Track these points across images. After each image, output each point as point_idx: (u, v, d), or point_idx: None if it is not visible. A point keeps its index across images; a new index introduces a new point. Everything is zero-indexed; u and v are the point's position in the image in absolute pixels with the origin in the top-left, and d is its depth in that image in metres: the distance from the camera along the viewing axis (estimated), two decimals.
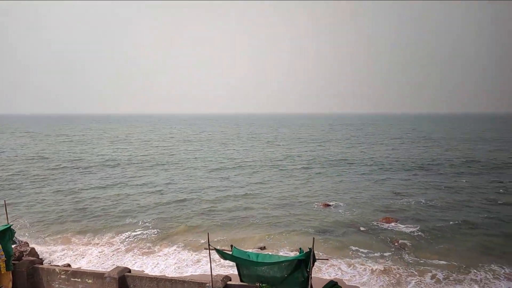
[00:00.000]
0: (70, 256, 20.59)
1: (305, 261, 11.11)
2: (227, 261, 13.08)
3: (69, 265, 18.39)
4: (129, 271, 13.65)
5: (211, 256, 11.95)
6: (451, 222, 26.01)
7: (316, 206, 30.75)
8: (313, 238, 11.07)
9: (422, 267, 18.76)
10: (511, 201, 31.96)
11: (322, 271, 18.29)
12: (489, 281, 17.21)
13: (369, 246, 21.64)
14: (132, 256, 20.68)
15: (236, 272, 12.05)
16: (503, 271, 18.14)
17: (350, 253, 20.73)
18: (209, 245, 11.48)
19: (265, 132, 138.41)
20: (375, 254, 20.47)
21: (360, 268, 18.81)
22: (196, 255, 20.64)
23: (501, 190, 35.98)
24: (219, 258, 11.84)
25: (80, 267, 18.16)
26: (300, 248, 11.69)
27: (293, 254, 19.23)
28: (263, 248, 21.35)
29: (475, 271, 18.23)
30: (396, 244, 22.04)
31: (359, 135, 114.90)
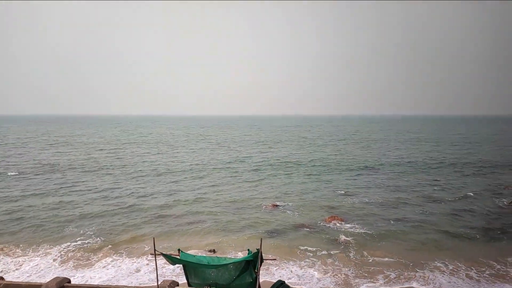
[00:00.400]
0: (3, 269, 19.02)
1: (253, 262, 11.17)
2: (174, 267, 12.80)
3: (1, 278, 16.95)
4: (69, 281, 12.86)
5: (157, 262, 11.61)
6: (392, 221, 27.41)
7: (264, 208, 31.06)
8: (261, 239, 11.15)
9: (370, 266, 19.40)
10: (444, 197, 34.51)
11: (270, 271, 18.50)
12: (436, 277, 17.98)
13: (316, 245, 22.20)
14: (72, 266, 19.49)
15: (183, 278, 11.82)
16: (446, 267, 19.17)
17: (298, 252, 21.16)
18: (155, 250, 11.15)
19: (214, 134, 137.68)
20: (323, 253, 21.02)
21: (308, 267, 19.23)
22: (140, 262, 19.89)
23: (435, 188, 38.73)
24: (165, 264, 11.53)
25: (14, 280, 16.81)
26: (248, 249, 11.72)
27: (242, 255, 19.27)
28: (212, 251, 21.17)
29: (420, 268, 19.07)
30: (342, 242, 22.80)
31: (311, 137, 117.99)
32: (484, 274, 18.30)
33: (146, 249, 21.53)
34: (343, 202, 32.97)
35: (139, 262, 19.87)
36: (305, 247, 21.89)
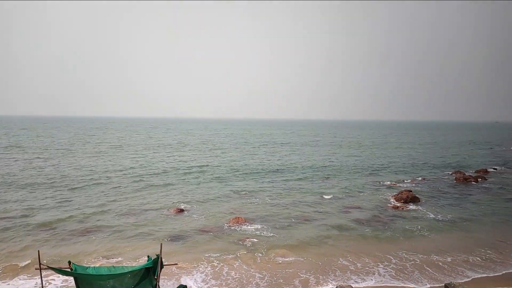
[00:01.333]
0: None
1: (153, 268, 10.87)
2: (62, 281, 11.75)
3: None
4: None
5: (43, 278, 10.53)
6: (293, 219, 29.05)
7: (168, 212, 30.35)
8: (161, 244, 10.91)
9: (281, 268, 19.85)
10: (336, 194, 37.77)
11: (172, 277, 18.08)
12: (349, 277, 18.87)
13: (221, 248, 22.29)
14: None
15: None
16: (355, 265, 20.38)
17: (202, 257, 20.91)
18: (40, 263, 10.11)
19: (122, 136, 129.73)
20: (228, 256, 20.94)
21: (212, 271, 19.25)
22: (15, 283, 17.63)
23: (327, 185, 42.22)
24: (55, 278, 10.56)
25: None
26: (148, 256, 11.35)
27: (143, 262, 18.51)
28: (109, 261, 19.94)
29: (329, 266, 20.06)
30: (248, 243, 23.23)
31: (219, 140, 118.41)
32: (389, 269, 19.94)
33: (26, 263, 19.22)
34: (246, 203, 33.84)
35: (27, 277, 17.70)
36: (210, 251, 21.83)
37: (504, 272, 19.70)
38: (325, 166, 59.51)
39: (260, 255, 21.46)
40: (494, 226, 28.20)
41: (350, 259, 21.16)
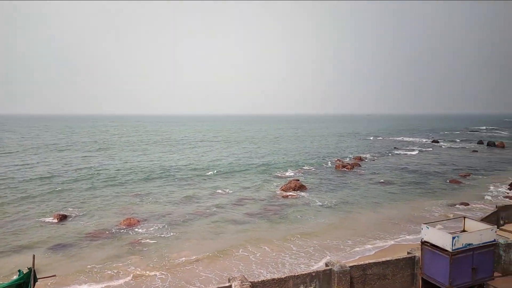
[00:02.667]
0: None
1: (26, 283, 9.42)
2: None
3: None
4: None
5: None
6: (187, 216, 28.51)
7: (49, 219, 27.01)
8: (33, 256, 9.46)
9: (173, 267, 19.18)
10: (230, 188, 38.37)
11: None
12: (252, 268, 19.00)
13: (110, 255, 20.65)
14: None
15: None
16: (254, 254, 20.73)
17: (86, 266, 19.10)
18: None
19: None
20: (118, 264, 19.53)
21: (100, 278, 17.73)
22: None
23: (221, 180, 42.71)
24: None
25: None
26: (19, 271, 9.80)
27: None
28: None
29: (231, 260, 20.02)
30: (141, 246, 22.04)
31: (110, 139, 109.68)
32: (284, 254, 20.87)
33: None
34: (140, 203, 32.12)
35: None
36: (96, 259, 20.02)
37: (377, 250, 22.32)
38: (219, 162, 60.04)
39: (156, 257, 20.44)
40: (370, 207, 31.78)
41: (250, 249, 21.63)
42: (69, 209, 30.16)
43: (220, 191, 37.70)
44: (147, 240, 22.88)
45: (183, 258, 20.14)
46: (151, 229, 25.16)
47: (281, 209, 30.84)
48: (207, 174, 47.80)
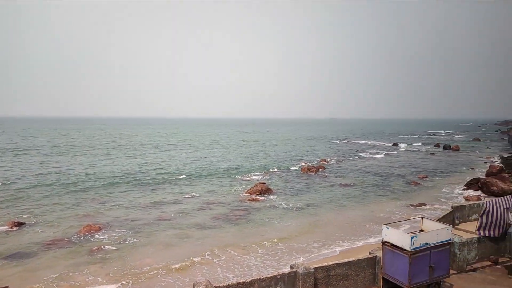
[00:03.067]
0: None
1: None
2: None
3: None
4: None
5: None
6: (152, 221, 27.89)
7: (3, 228, 25.53)
8: None
9: (136, 275, 18.64)
10: (196, 192, 37.95)
11: None
12: (218, 272, 18.85)
13: (68, 264, 19.80)
14: None
15: None
16: (219, 258, 20.67)
17: (42, 275, 18.18)
18: None
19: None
20: (75, 273, 18.67)
21: None
22: None
23: (188, 184, 42.21)
24: None
25: None
26: None
27: None
28: None
29: (195, 265, 19.65)
30: (102, 253, 21.28)
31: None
32: (251, 258, 20.85)
33: None
34: (102, 209, 31.05)
35: None
36: (53, 268, 19.10)
37: (341, 251, 22.80)
38: (186, 166, 59.29)
39: (118, 265, 19.74)
40: (335, 209, 32.43)
41: (216, 254, 21.42)
42: (25, 216, 28.70)
43: (186, 195, 37.19)
44: (109, 247, 22.13)
45: (146, 266, 19.59)
46: (113, 235, 24.37)
47: (247, 212, 30.84)
48: (173, 178, 47.04)
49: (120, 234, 24.73)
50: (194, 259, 20.61)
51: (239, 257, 20.99)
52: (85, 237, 23.91)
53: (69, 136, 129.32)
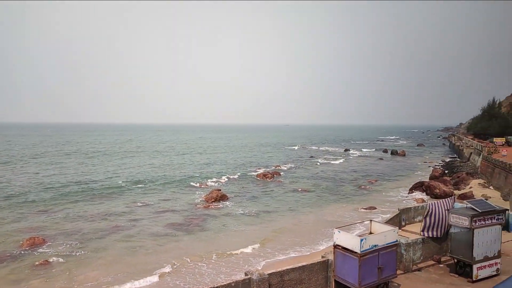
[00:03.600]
0: None
1: None
2: None
3: None
4: None
5: None
6: (102, 232, 26.68)
7: None
8: None
9: None
10: (149, 200, 36.92)
11: None
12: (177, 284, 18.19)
13: (7, 279, 18.41)
14: None
15: None
16: (175, 267, 20.02)
17: None
18: None
19: None
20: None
21: None
22: None
23: (140, 192, 40.99)
24: None
25: None
26: None
27: None
28: None
29: (149, 277, 18.91)
30: (46, 268, 19.95)
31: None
32: (201, 264, 20.54)
33: None
34: (47, 220, 29.27)
35: None
36: None
37: (295, 256, 23.11)
38: (139, 174, 57.58)
39: (62, 279, 18.61)
40: (289, 214, 32.87)
41: (169, 262, 20.83)
42: None
43: (139, 204, 36.01)
44: (54, 261, 20.85)
45: (93, 280, 18.61)
46: (60, 248, 22.99)
47: (202, 220, 30.43)
48: (125, 187, 45.40)
49: (66, 246, 23.38)
50: (145, 269, 19.95)
51: (192, 265, 20.62)
52: (28, 251, 22.37)
53: (12, 143, 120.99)
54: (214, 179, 51.91)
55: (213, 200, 36.93)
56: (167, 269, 19.93)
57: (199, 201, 37.41)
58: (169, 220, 30.29)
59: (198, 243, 24.67)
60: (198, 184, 47.71)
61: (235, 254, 22.48)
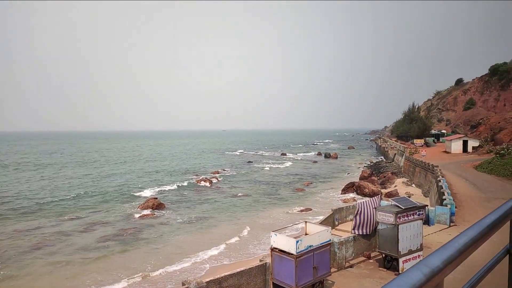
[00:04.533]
0: None
1: None
2: None
3: None
4: None
5: None
6: (22, 249, 24.44)
7: None
8: None
9: None
10: (78, 212, 34.64)
11: None
12: None
13: None
14: None
15: None
16: (103, 282, 18.77)
17: None
18: None
19: None
20: None
21: None
22: None
23: (68, 204, 38.32)
24: None
25: None
26: None
27: None
28: None
29: None
30: None
31: None
32: (135, 277, 19.56)
33: None
34: None
35: None
36: None
37: (235, 262, 23.07)
38: (68, 185, 53.76)
39: None
40: (227, 219, 32.74)
41: (99, 278, 19.66)
42: None
43: (66, 217, 33.58)
44: None
45: None
46: None
47: (137, 230, 29.21)
48: (53, 199, 42.06)
49: None
50: (72, 285, 18.66)
51: (126, 278, 19.65)
52: None
53: None
54: (150, 188, 50.14)
55: (149, 208, 35.64)
56: (95, 286, 18.78)
57: (134, 211, 35.87)
58: (101, 232, 28.62)
59: (132, 254, 23.61)
60: (133, 194, 45.72)
61: (170, 263, 21.86)
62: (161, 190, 48.68)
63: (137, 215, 33.96)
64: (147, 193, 46.14)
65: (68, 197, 43.21)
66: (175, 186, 51.38)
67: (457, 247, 1.24)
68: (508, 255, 1.83)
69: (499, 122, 64.57)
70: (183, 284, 12.30)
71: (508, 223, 1.76)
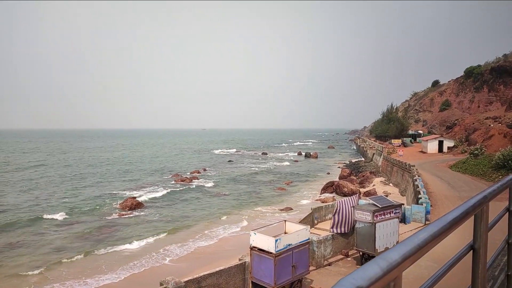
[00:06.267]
0: None
1: None
2: None
3: None
4: None
5: None
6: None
7: None
8: None
9: None
10: (56, 211, 33.80)
11: None
12: None
13: None
14: None
15: None
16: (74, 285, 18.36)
17: None
18: None
19: None
20: None
21: None
22: None
23: (46, 203, 37.30)
24: None
25: None
26: None
27: None
28: None
29: None
30: None
31: None
32: (112, 277, 19.13)
33: None
34: None
35: None
36: None
37: (215, 261, 22.97)
38: (45, 184, 52.35)
39: None
40: (207, 218, 32.55)
41: (73, 279, 19.21)
42: None
43: (45, 216, 32.60)
44: None
45: None
46: None
47: (115, 230, 28.74)
48: (28, 199, 40.85)
49: None
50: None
51: (102, 278, 19.31)
52: None
53: None
54: (129, 187, 49.38)
55: (128, 208, 35.10)
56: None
57: (112, 210, 35.25)
58: (77, 232, 28.00)
59: (108, 254, 23.23)
60: (112, 193, 44.90)
61: (148, 264, 21.60)
62: (140, 189, 47.97)
63: (115, 215, 33.37)
64: (126, 192, 45.39)
65: (40, 197, 42.05)
66: (153, 185, 50.75)
67: (417, 242, 1.27)
68: (472, 251, 1.88)
69: (473, 123, 66.51)
70: (161, 284, 12.17)
71: (472, 219, 1.81)
